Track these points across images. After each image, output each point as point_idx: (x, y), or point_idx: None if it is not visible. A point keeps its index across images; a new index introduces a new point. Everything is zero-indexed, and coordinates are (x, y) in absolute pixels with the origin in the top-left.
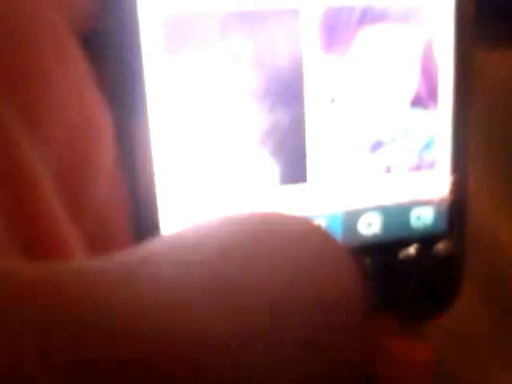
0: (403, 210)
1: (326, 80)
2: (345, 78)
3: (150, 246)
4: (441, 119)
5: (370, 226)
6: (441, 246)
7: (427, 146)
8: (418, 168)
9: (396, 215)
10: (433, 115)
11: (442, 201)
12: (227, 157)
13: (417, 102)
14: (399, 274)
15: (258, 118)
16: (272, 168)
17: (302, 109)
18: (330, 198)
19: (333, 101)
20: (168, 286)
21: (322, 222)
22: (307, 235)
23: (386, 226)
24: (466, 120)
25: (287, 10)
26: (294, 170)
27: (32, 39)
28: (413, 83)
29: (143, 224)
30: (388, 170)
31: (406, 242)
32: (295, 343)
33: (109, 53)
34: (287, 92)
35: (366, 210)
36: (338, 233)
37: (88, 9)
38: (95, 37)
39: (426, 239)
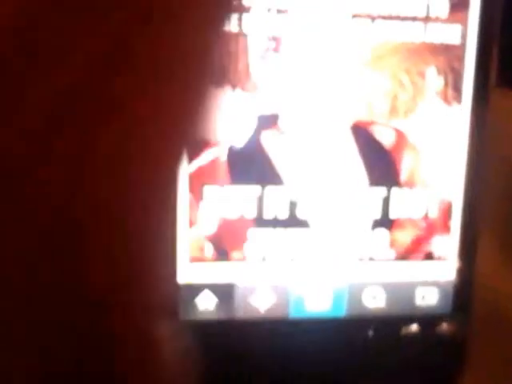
0: (408, 288)
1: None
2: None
3: None
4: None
5: (375, 300)
6: (444, 327)
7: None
8: (424, 250)
9: (400, 292)
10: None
11: (447, 283)
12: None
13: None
14: (400, 351)
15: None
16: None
17: None
18: (335, 270)
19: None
20: None
21: (327, 291)
22: None
23: (390, 301)
24: (475, 209)
25: None
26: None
27: None
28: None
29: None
30: (393, 247)
31: (410, 320)
32: None
33: None
34: None
35: (371, 283)
36: (342, 303)
37: None
38: None
39: (430, 318)
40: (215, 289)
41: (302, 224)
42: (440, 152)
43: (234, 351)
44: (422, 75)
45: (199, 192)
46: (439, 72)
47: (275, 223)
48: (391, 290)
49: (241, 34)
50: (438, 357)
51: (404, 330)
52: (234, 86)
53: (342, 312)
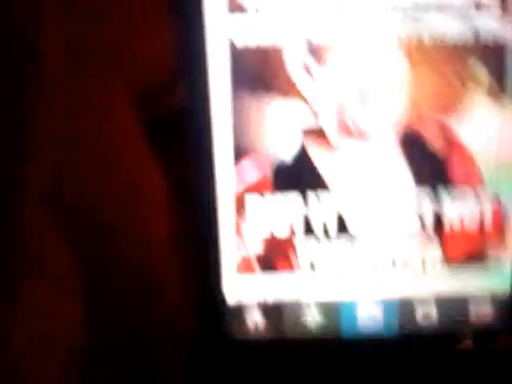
0: (461, 302)
1: None
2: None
3: None
4: None
5: (427, 316)
6: (500, 343)
7: None
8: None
9: (453, 306)
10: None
11: (504, 295)
12: None
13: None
14: (454, 368)
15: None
16: None
17: None
18: (385, 285)
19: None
20: None
21: (378, 308)
22: None
23: (442, 316)
24: None
25: None
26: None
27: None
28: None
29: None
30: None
31: (463, 335)
32: None
33: (182, 132)
34: None
35: (423, 299)
36: (394, 320)
37: (158, 86)
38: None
39: (485, 334)
40: (264, 307)
41: (351, 236)
42: (492, 151)
43: (283, 371)
44: (469, 70)
45: (244, 206)
46: (487, 66)
47: (322, 233)
48: (444, 304)
49: (281, 46)
50: (493, 374)
51: (458, 347)
52: (275, 95)
53: (395, 330)
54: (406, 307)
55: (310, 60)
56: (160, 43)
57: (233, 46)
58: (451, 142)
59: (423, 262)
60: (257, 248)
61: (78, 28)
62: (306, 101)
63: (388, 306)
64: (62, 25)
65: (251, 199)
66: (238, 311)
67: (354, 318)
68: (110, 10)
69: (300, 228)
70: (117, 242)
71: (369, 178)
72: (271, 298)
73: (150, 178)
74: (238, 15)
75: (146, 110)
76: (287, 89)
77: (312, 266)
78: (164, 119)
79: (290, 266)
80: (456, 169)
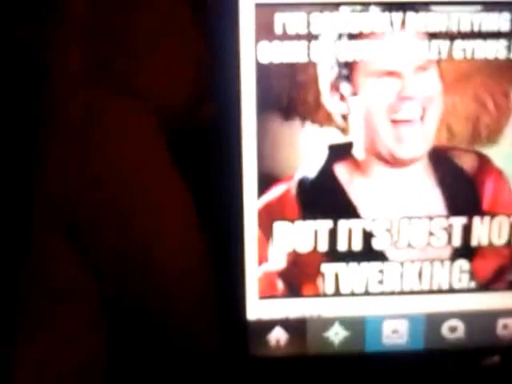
0: (489, 318)
1: None
2: None
3: None
4: None
5: (454, 331)
6: None
7: None
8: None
9: (481, 323)
10: None
11: None
12: None
13: None
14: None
15: None
16: None
17: None
18: (413, 300)
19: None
20: None
21: (404, 323)
22: None
23: (470, 332)
24: None
25: None
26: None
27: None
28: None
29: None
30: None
31: (491, 351)
32: None
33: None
34: None
35: (451, 315)
36: (420, 335)
37: (183, 106)
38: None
39: None
40: (287, 324)
41: (378, 256)
42: None
43: None
44: (507, 95)
45: (269, 227)
46: None
47: (349, 256)
48: (471, 320)
49: (310, 63)
50: None
51: (485, 362)
52: (304, 118)
53: (420, 345)
54: (432, 323)
55: (342, 84)
56: (182, 68)
57: (261, 67)
58: (485, 167)
59: (450, 276)
60: (282, 271)
61: (99, 50)
62: (336, 125)
63: (414, 320)
64: (83, 46)
65: (278, 223)
66: (260, 328)
67: (378, 333)
68: (130, 34)
69: (327, 251)
70: (139, 267)
71: (398, 201)
72: (294, 315)
73: (174, 202)
74: (267, 39)
75: (170, 134)
76: (318, 114)
77: (337, 287)
78: (189, 142)
79: (315, 288)
80: (488, 194)
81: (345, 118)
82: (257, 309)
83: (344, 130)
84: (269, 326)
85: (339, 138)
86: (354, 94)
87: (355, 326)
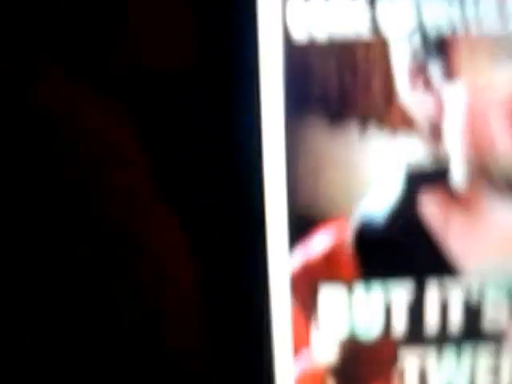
0: None
1: None
2: None
3: None
4: None
5: None
6: None
7: None
8: None
9: None
10: None
11: None
12: None
13: None
14: None
15: None
16: None
17: None
18: None
19: None
20: None
21: None
22: None
23: None
24: None
25: None
26: None
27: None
28: None
29: None
30: None
31: None
32: None
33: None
34: None
35: None
36: None
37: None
38: None
39: None
40: None
41: (492, 338)
42: None
43: None
44: None
45: (310, 298)
46: None
47: (443, 340)
48: None
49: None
50: None
51: None
52: (365, 122)
53: None
54: None
55: (431, 66)
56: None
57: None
58: None
59: None
60: (335, 366)
61: None
62: (421, 132)
63: None
64: None
65: (326, 291)
66: None
67: None
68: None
69: (406, 333)
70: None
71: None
72: None
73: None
74: None
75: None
76: (390, 115)
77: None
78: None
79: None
80: None
81: (434, 119)
82: None
83: (433, 140)
84: None
85: (425, 153)
86: (451, 81)
87: None
